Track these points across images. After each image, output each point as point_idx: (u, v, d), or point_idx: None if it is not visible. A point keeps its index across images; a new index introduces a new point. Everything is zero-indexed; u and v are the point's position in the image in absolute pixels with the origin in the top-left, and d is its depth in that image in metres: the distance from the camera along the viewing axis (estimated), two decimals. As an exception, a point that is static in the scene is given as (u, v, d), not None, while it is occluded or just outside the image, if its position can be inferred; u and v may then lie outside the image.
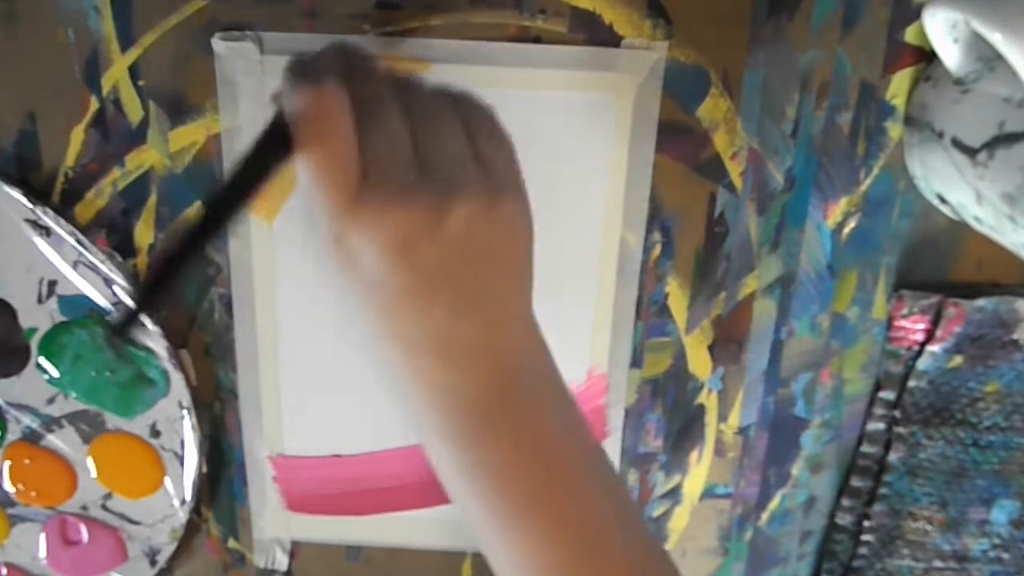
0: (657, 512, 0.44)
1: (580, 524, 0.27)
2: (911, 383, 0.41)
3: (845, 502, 0.44)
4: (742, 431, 0.43)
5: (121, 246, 0.40)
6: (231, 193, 0.26)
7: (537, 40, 0.37)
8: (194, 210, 0.24)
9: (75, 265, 0.39)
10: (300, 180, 0.26)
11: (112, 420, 0.42)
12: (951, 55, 0.34)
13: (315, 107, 0.25)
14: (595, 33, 0.37)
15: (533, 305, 0.29)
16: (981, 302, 0.40)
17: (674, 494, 0.44)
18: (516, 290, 0.28)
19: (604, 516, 0.28)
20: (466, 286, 0.26)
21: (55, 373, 0.41)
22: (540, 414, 0.28)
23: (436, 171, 0.26)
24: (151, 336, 0.40)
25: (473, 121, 0.28)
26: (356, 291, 0.26)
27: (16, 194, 0.38)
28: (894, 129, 0.38)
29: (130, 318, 0.26)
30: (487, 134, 0.28)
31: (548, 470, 0.27)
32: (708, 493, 0.44)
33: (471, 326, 0.27)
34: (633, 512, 0.30)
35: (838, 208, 0.39)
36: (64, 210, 0.39)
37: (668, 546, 0.45)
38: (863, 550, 0.44)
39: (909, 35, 0.37)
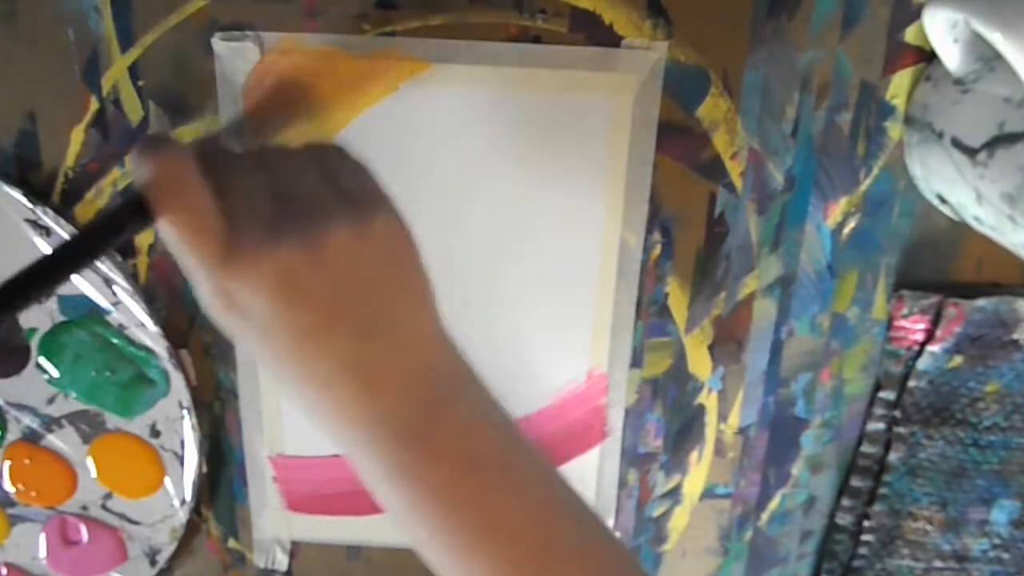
0: (657, 512, 0.44)
1: (533, 539, 0.27)
2: (911, 383, 0.41)
3: (845, 502, 0.44)
4: (742, 431, 0.43)
5: (121, 246, 0.40)
6: (73, 251, 0.26)
7: (537, 40, 0.37)
8: (36, 258, 0.25)
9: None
10: (171, 249, 0.26)
11: (112, 420, 0.42)
12: (951, 55, 0.34)
13: (164, 169, 0.26)
14: (595, 33, 0.37)
15: (442, 321, 0.28)
16: (981, 302, 0.40)
17: (674, 494, 0.44)
18: (417, 307, 0.28)
19: (558, 529, 0.27)
20: (363, 311, 0.26)
21: (55, 373, 0.41)
22: (472, 432, 0.27)
23: (299, 211, 0.26)
24: (151, 336, 0.40)
25: (324, 158, 0.28)
26: (256, 340, 0.26)
27: (16, 194, 0.38)
28: (894, 129, 0.38)
29: None
30: (340, 165, 0.28)
31: (492, 489, 0.27)
32: (708, 493, 0.44)
33: (379, 349, 0.26)
34: (589, 520, 0.29)
35: (838, 208, 0.39)
36: (64, 210, 0.39)
37: (668, 546, 0.45)
38: (863, 550, 0.44)
39: (909, 35, 0.37)
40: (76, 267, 0.26)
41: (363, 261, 0.26)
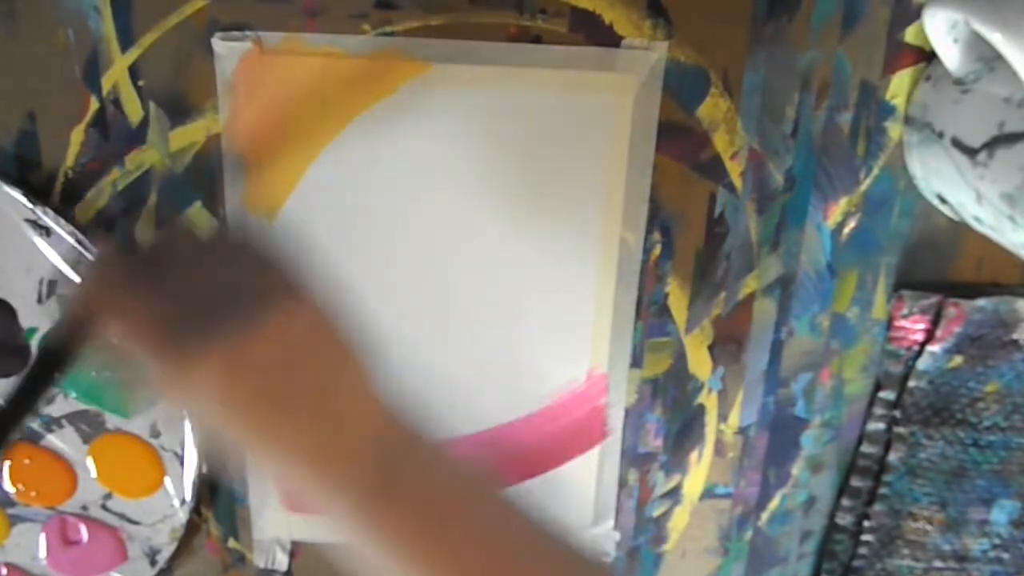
0: (657, 512, 0.44)
1: None
2: (911, 383, 0.41)
3: (845, 502, 0.44)
4: (742, 431, 0.43)
5: (121, 245, 0.40)
6: (30, 384, 0.28)
7: (537, 40, 0.37)
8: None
9: (75, 265, 0.39)
10: (115, 352, 0.28)
11: (112, 420, 0.42)
12: (951, 55, 0.34)
13: (97, 285, 0.28)
14: (595, 33, 0.37)
15: (378, 391, 0.29)
16: (981, 302, 0.40)
17: (674, 494, 0.44)
18: (348, 383, 0.29)
19: (528, 572, 0.28)
20: (304, 393, 0.27)
21: (55, 373, 0.41)
22: (429, 491, 0.28)
23: (214, 312, 0.27)
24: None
25: (230, 259, 0.29)
26: (214, 426, 0.28)
27: (16, 194, 0.38)
28: (894, 129, 0.38)
29: None
30: (242, 263, 0.29)
31: (459, 541, 0.28)
32: (708, 493, 0.44)
33: (320, 429, 0.27)
34: (563, 559, 0.30)
35: (838, 208, 0.39)
36: (64, 210, 0.39)
37: (668, 546, 0.45)
38: (863, 550, 0.44)
39: (909, 35, 0.37)
40: (37, 398, 0.28)
41: (290, 349, 0.27)
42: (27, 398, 0.28)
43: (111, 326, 0.27)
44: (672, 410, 0.42)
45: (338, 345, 0.29)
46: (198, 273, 0.28)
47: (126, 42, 0.37)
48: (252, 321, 0.27)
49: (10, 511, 0.44)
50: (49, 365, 0.28)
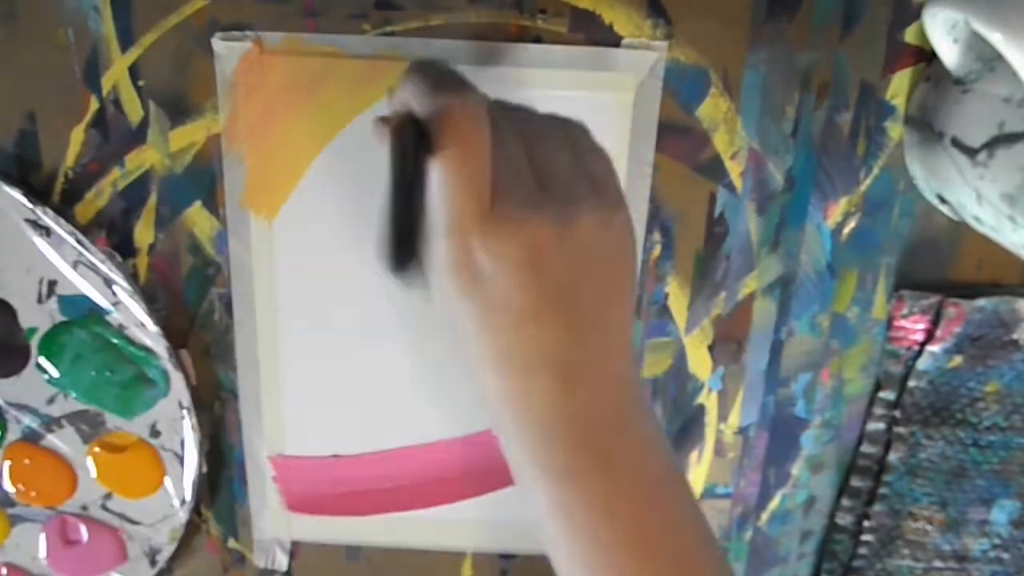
0: (657, 512, 0.44)
1: (681, 570, 0.26)
2: (911, 383, 0.41)
3: (845, 502, 0.44)
4: (742, 431, 0.43)
5: (121, 246, 0.40)
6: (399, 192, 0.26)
7: (537, 40, 0.37)
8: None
9: (75, 265, 0.39)
10: (430, 191, 0.26)
11: (112, 420, 0.42)
12: (951, 55, 0.34)
13: (463, 120, 0.25)
14: (595, 33, 0.37)
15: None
16: (981, 302, 0.40)
17: (674, 494, 0.44)
18: (626, 314, 0.27)
19: (704, 562, 0.27)
20: (586, 307, 0.26)
21: (55, 373, 0.41)
22: (646, 450, 0.27)
23: (554, 188, 0.26)
24: (151, 336, 0.40)
25: (576, 139, 0.28)
26: (474, 309, 0.25)
27: (16, 194, 0.38)
28: (894, 129, 0.38)
29: (400, 259, 0.26)
30: (591, 152, 0.28)
31: (654, 509, 0.26)
32: (708, 493, 0.44)
33: (590, 349, 0.26)
34: (721, 554, 0.28)
35: (838, 208, 0.39)
36: (64, 210, 0.39)
37: (668, 546, 0.45)
38: (863, 550, 0.44)
39: (909, 35, 0.37)
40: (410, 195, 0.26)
41: (599, 253, 0.26)
42: (403, 183, 0.26)
43: (452, 162, 0.25)
44: (672, 410, 0.42)
45: (635, 277, 0.28)
46: (547, 147, 0.27)
47: (126, 42, 0.37)
48: (597, 212, 0.25)
49: (10, 511, 0.44)
50: (408, 147, 0.26)
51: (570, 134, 0.28)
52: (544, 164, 0.26)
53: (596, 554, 0.26)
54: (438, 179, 0.25)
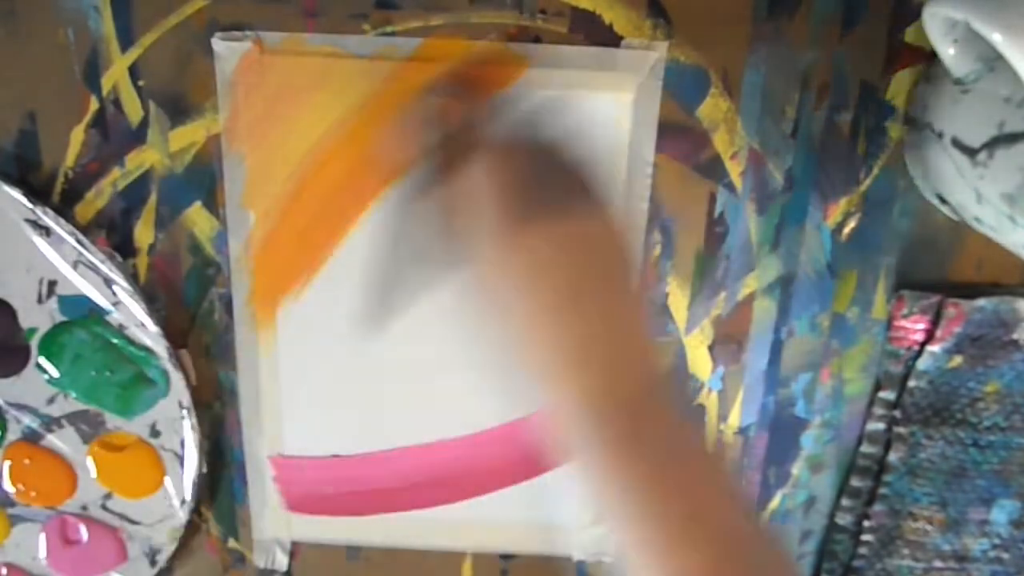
0: (657, 512, 0.44)
1: (727, 541, 0.27)
2: (911, 383, 0.41)
3: (845, 502, 0.44)
4: (742, 431, 0.43)
5: (121, 246, 0.40)
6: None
7: (537, 40, 0.37)
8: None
9: (75, 265, 0.39)
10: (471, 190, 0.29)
11: (112, 420, 0.42)
12: (951, 55, 0.34)
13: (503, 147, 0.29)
14: (595, 33, 0.37)
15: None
16: (981, 302, 0.40)
17: (674, 494, 0.44)
18: (643, 301, 0.30)
19: (741, 525, 0.28)
20: (616, 286, 0.29)
21: (55, 373, 0.41)
22: (680, 421, 0.29)
23: (571, 192, 0.29)
24: (151, 336, 0.40)
25: (567, 152, 0.31)
26: (523, 295, 0.28)
27: (16, 194, 0.38)
28: (894, 129, 0.38)
29: None
30: (563, 162, 0.31)
31: (697, 481, 0.27)
32: (708, 493, 0.44)
33: (627, 323, 0.28)
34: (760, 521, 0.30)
35: (838, 208, 0.39)
36: (64, 210, 0.39)
37: (668, 546, 0.45)
38: (863, 550, 0.44)
39: (909, 35, 0.37)
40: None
41: (623, 243, 0.29)
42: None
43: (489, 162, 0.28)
44: (672, 410, 0.42)
45: (624, 262, 0.30)
46: (548, 157, 0.30)
47: (126, 42, 0.37)
48: (584, 210, 0.28)
49: (10, 511, 0.44)
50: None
51: (564, 149, 0.31)
52: (547, 171, 0.29)
53: (659, 531, 0.27)
54: (479, 185, 0.29)
